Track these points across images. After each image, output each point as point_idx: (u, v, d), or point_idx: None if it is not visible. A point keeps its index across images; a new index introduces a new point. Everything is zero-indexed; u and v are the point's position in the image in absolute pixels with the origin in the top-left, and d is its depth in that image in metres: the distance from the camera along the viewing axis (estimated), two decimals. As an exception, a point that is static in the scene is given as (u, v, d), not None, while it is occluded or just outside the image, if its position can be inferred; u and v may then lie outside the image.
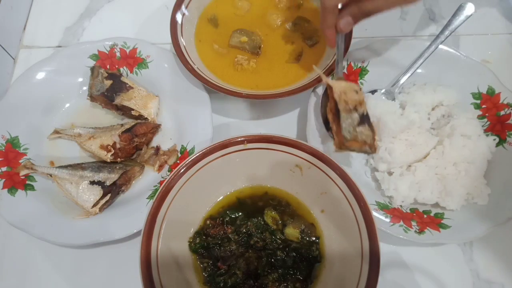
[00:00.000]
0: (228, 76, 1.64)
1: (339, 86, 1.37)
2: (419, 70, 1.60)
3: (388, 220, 1.37)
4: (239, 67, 1.65)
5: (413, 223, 1.37)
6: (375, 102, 1.52)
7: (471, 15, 1.57)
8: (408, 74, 1.59)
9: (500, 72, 1.56)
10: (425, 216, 1.41)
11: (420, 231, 1.34)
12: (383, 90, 1.62)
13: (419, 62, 1.58)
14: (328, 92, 1.45)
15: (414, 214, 1.42)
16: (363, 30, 1.86)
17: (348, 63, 1.63)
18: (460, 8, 1.59)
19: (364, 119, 1.36)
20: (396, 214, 1.40)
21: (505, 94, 1.53)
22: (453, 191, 1.39)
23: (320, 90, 1.56)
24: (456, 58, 1.60)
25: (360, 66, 1.64)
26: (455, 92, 1.55)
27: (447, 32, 1.58)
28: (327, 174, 1.28)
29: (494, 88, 1.54)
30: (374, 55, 1.64)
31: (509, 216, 1.34)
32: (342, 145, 1.34)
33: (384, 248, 1.43)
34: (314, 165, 1.30)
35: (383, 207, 1.42)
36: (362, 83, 1.64)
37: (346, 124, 1.33)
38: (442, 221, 1.39)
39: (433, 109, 1.55)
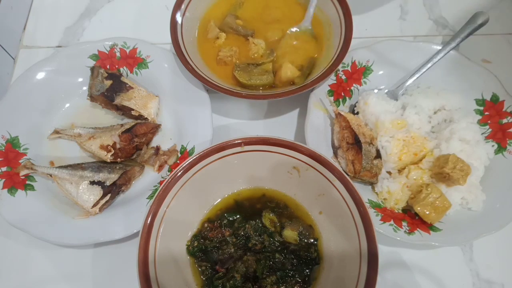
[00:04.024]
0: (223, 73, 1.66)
1: (354, 118, 1.49)
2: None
3: (378, 218, 1.37)
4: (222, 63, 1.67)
5: (404, 224, 1.37)
6: (376, 100, 1.52)
7: (484, 24, 1.57)
8: (415, 77, 1.59)
9: (499, 72, 1.55)
10: (416, 217, 1.42)
11: (410, 232, 1.35)
12: (386, 90, 1.62)
13: (427, 66, 1.57)
14: (340, 122, 1.51)
15: (406, 215, 1.43)
16: (363, 30, 1.86)
17: (353, 61, 1.63)
18: (474, 17, 1.59)
19: (379, 153, 1.47)
20: (387, 213, 1.40)
21: (509, 102, 1.52)
22: (446, 195, 1.39)
23: (319, 90, 1.56)
24: (462, 62, 1.59)
25: (364, 65, 1.64)
26: (458, 97, 1.54)
27: (458, 39, 1.57)
28: (325, 176, 1.28)
29: (499, 96, 1.53)
30: (379, 55, 1.64)
31: (502, 224, 1.34)
32: (357, 174, 1.44)
33: (384, 249, 1.44)
34: (312, 167, 1.30)
35: (375, 206, 1.43)
36: (365, 82, 1.64)
37: (366, 156, 1.42)
38: (433, 224, 1.39)
39: (435, 112, 1.55)
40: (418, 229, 1.36)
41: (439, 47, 1.59)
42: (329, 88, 1.59)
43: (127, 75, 1.69)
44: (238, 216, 1.37)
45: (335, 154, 1.52)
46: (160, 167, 1.56)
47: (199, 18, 1.74)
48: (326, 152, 1.48)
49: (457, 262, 1.45)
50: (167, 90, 1.66)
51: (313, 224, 1.37)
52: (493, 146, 1.49)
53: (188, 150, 1.54)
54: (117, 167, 1.50)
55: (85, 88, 1.66)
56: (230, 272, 1.27)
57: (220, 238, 1.34)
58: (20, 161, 1.53)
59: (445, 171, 1.36)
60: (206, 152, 1.30)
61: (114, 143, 1.50)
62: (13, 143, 1.54)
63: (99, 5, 1.98)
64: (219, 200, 1.41)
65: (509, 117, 1.50)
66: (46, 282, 1.44)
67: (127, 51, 1.69)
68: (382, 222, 1.36)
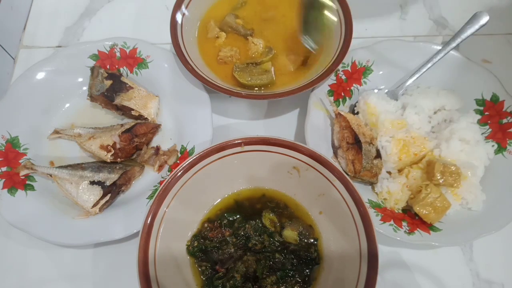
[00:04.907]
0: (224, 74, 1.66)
1: (354, 118, 1.48)
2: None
3: (378, 218, 1.37)
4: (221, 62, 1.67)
5: (404, 224, 1.37)
6: (376, 100, 1.53)
7: (485, 24, 1.57)
8: (415, 77, 1.58)
9: (499, 72, 1.55)
10: (416, 217, 1.42)
11: (410, 232, 1.35)
12: (386, 90, 1.62)
13: (427, 66, 1.57)
14: (340, 122, 1.51)
15: (406, 215, 1.43)
16: (363, 30, 1.86)
17: (353, 61, 1.63)
18: (474, 17, 1.58)
19: (379, 153, 1.47)
20: (387, 213, 1.41)
21: (509, 102, 1.51)
22: (446, 195, 1.39)
23: (319, 90, 1.57)
24: (462, 62, 1.59)
25: (364, 65, 1.64)
26: (458, 98, 1.55)
27: (458, 40, 1.57)
28: (325, 176, 1.28)
29: (499, 96, 1.53)
30: (379, 55, 1.64)
31: (502, 225, 1.34)
32: (357, 174, 1.44)
33: (384, 249, 1.44)
34: (312, 167, 1.30)
35: (375, 206, 1.43)
36: (365, 82, 1.64)
37: (366, 156, 1.42)
38: (433, 224, 1.39)
39: (435, 112, 1.55)
40: (418, 229, 1.36)
41: (439, 47, 1.59)
42: (329, 88, 1.59)
43: (127, 75, 1.69)
44: (238, 216, 1.37)
45: (335, 154, 1.52)
46: (160, 167, 1.55)
47: (199, 18, 1.74)
48: (326, 152, 1.48)
49: (457, 262, 1.45)
50: (167, 90, 1.66)
51: (313, 224, 1.37)
52: (493, 146, 1.49)
53: (188, 150, 1.54)
54: (117, 167, 1.50)
55: (85, 88, 1.66)
56: (230, 272, 1.27)
57: (220, 238, 1.33)
58: (20, 161, 1.52)
59: (436, 182, 1.37)
60: (206, 152, 1.30)
61: (114, 143, 1.50)
62: (13, 143, 1.54)
63: (99, 5, 1.98)
64: (219, 200, 1.41)
65: (509, 117, 1.50)
66: (46, 282, 1.44)
67: (127, 51, 1.68)
68: (382, 222, 1.36)
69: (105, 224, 1.42)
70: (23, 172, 1.48)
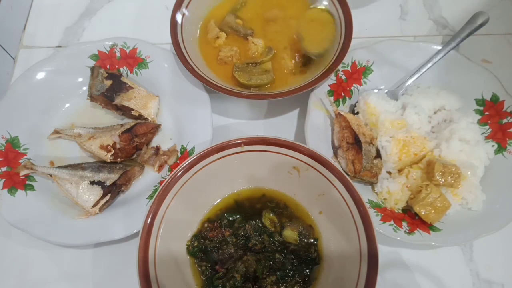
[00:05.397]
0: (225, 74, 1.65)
1: (354, 118, 1.48)
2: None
3: (378, 218, 1.37)
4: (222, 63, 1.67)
5: (404, 224, 1.37)
6: (376, 100, 1.52)
7: (485, 24, 1.57)
8: (415, 77, 1.58)
9: (499, 72, 1.55)
10: (416, 217, 1.42)
11: (410, 232, 1.35)
12: (386, 90, 1.62)
13: (427, 66, 1.57)
14: (340, 122, 1.51)
15: (406, 215, 1.43)
16: (363, 30, 1.86)
17: (353, 61, 1.62)
18: (474, 17, 1.59)
19: (379, 153, 1.47)
20: (387, 213, 1.40)
21: (509, 102, 1.51)
22: (446, 195, 1.39)
23: (319, 90, 1.56)
24: (462, 62, 1.59)
25: (364, 65, 1.63)
26: (458, 98, 1.54)
27: (458, 40, 1.57)
28: (325, 176, 1.28)
29: (499, 96, 1.53)
30: (379, 55, 1.64)
31: (502, 225, 1.34)
32: (357, 173, 1.43)
33: (384, 249, 1.44)
34: (312, 167, 1.30)
35: (375, 206, 1.43)
36: (365, 82, 1.64)
37: (366, 156, 1.42)
38: (433, 224, 1.39)
39: (435, 112, 1.55)
40: (418, 229, 1.36)
41: (439, 47, 1.59)
42: (329, 88, 1.59)
43: (127, 75, 1.69)
44: (238, 216, 1.37)
45: (335, 154, 1.52)
46: (160, 167, 1.55)
47: (199, 18, 1.74)
48: (326, 152, 1.48)
49: (457, 262, 1.45)
50: (167, 90, 1.66)
51: (313, 224, 1.37)
52: (493, 146, 1.49)
53: (188, 150, 1.54)
54: (117, 167, 1.50)
55: (85, 88, 1.66)
56: (230, 272, 1.27)
57: (220, 238, 1.34)
58: (20, 161, 1.52)
59: (436, 183, 1.37)
60: (206, 152, 1.30)
61: (114, 143, 1.50)
62: (13, 143, 1.54)
63: (99, 5, 1.98)
64: (219, 200, 1.41)
65: (509, 117, 1.50)
66: (46, 282, 1.44)
67: (127, 51, 1.68)
68: (382, 222, 1.36)
69: (105, 224, 1.42)
70: (23, 172, 1.48)
